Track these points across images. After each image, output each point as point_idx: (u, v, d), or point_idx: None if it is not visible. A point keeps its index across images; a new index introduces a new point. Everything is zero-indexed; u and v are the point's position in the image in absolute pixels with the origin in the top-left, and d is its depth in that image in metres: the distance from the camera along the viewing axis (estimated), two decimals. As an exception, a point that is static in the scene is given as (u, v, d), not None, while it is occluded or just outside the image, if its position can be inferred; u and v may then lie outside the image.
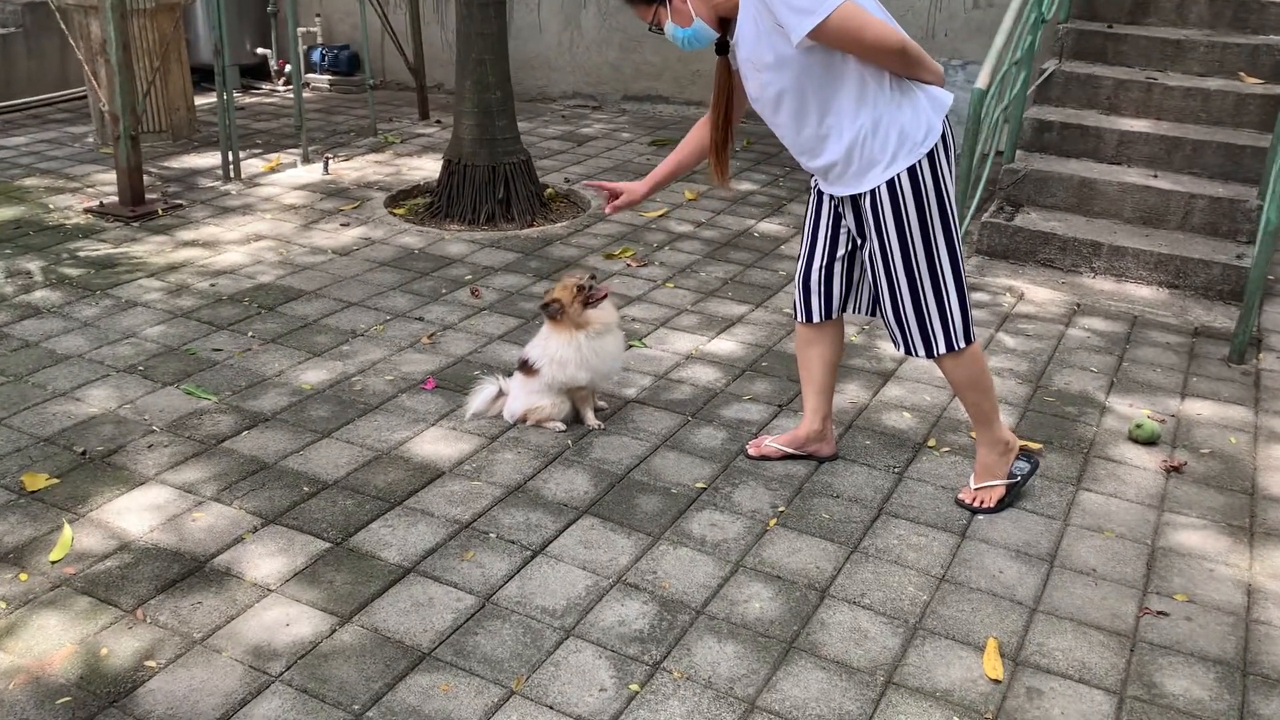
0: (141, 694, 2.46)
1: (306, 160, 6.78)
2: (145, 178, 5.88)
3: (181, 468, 3.37)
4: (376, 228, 5.66)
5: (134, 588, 2.80)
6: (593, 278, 3.57)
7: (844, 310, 3.31)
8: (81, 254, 5.16)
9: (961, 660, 2.64)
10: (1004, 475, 3.27)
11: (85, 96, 7.82)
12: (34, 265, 5.00)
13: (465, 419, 3.70)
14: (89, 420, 3.63)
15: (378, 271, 5.06)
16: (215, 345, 4.22)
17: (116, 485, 3.26)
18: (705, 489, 3.33)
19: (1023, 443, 3.43)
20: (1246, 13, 6.11)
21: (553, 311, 3.55)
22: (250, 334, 4.34)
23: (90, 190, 6.12)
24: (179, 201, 5.95)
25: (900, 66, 2.85)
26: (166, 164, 6.71)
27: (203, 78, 8.06)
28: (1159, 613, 2.83)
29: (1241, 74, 5.83)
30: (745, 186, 6.54)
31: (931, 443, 3.64)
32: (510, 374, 3.78)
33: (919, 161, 2.91)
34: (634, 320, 4.55)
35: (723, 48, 2.98)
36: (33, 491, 3.21)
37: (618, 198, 3.37)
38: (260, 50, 8.75)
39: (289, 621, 2.70)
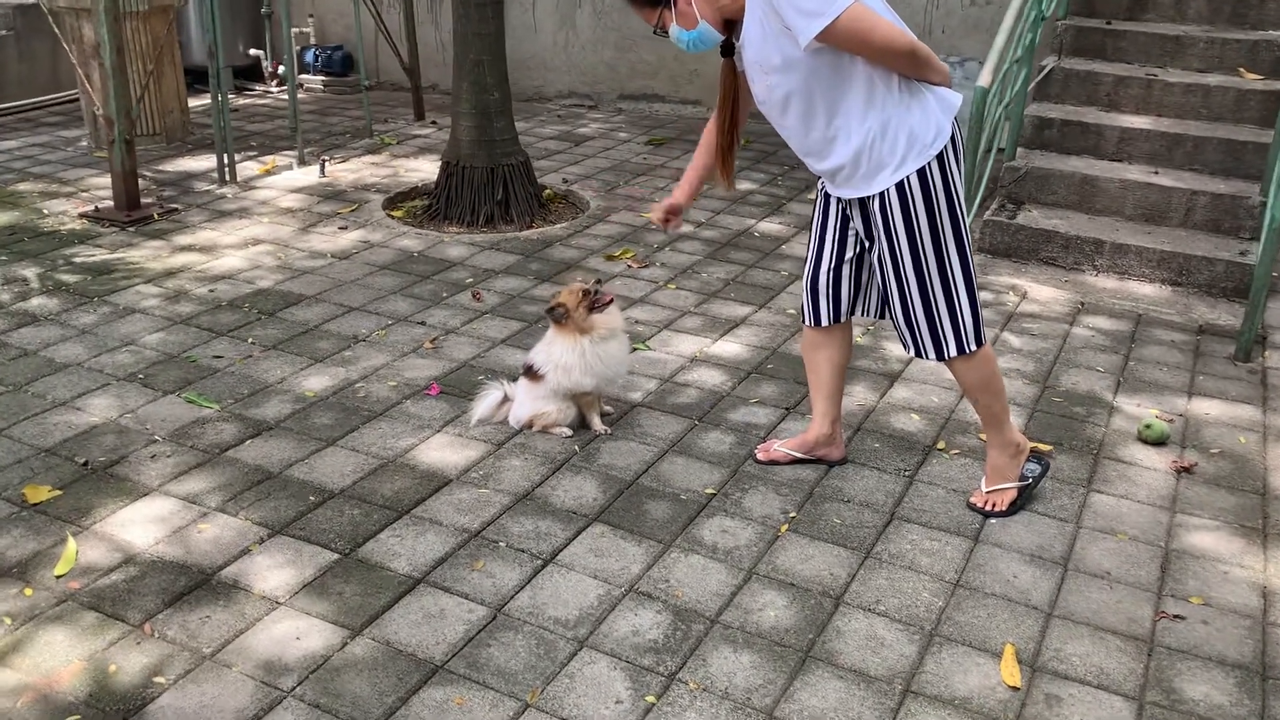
0: (151, 711, 2.42)
1: (302, 162, 6.73)
2: (140, 182, 5.83)
3: (185, 478, 3.33)
4: (375, 230, 5.63)
5: (141, 602, 2.77)
6: (598, 283, 3.54)
7: (852, 313, 3.28)
8: (78, 260, 5.11)
9: (979, 667, 2.62)
10: (1015, 478, 3.25)
11: (77, 99, 7.77)
12: (30, 272, 4.95)
13: (470, 425, 3.67)
14: (90, 430, 3.59)
15: (378, 275, 5.02)
16: (216, 352, 4.18)
17: (120, 496, 3.23)
18: (715, 495, 3.31)
19: (1032, 444, 3.40)
20: (1245, 8, 6.09)
21: (558, 316, 3.52)
22: (251, 340, 4.30)
23: (85, 195, 6.07)
24: (175, 206, 5.90)
25: (909, 68, 2.83)
26: (161, 167, 6.66)
27: (195, 79, 8.00)
28: (1175, 616, 2.82)
29: (1241, 70, 5.82)
30: (744, 185, 6.51)
31: (941, 445, 3.62)
32: (515, 379, 3.75)
33: (928, 163, 2.89)
34: (637, 322, 4.52)
35: (728, 50, 2.95)
36: (35, 504, 3.17)
37: (671, 219, 3.33)
38: (253, 51, 8.70)
39: (299, 635, 2.66)
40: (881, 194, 2.93)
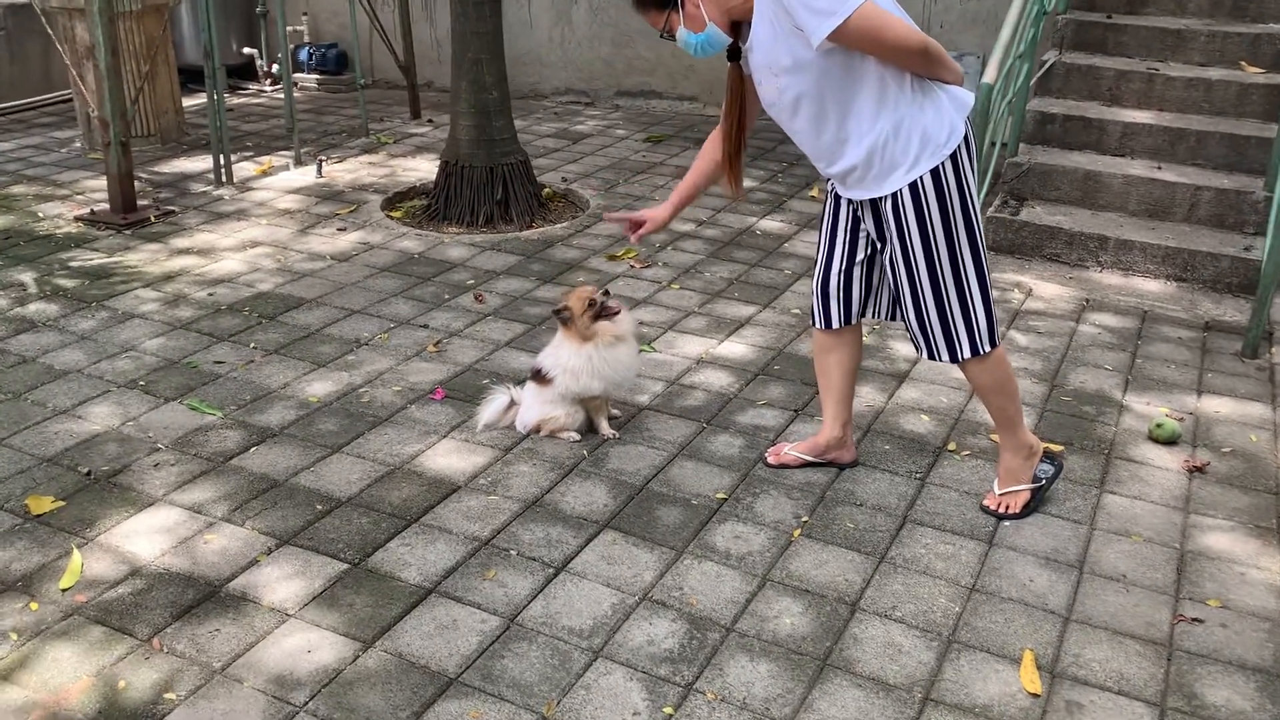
0: (163, 728, 2.39)
1: (299, 163, 6.68)
2: (135, 183, 5.78)
3: (190, 487, 3.29)
4: (374, 232, 5.58)
5: (149, 615, 2.73)
6: (606, 293, 3.50)
7: (863, 315, 3.25)
8: (75, 264, 5.06)
9: (998, 674, 2.59)
10: (1028, 480, 3.23)
11: (71, 100, 7.70)
12: (27, 276, 4.90)
13: (477, 430, 3.63)
14: (92, 439, 3.54)
15: (378, 277, 4.98)
16: (217, 357, 4.14)
17: (124, 507, 3.18)
18: (726, 499, 3.28)
19: (1045, 445, 3.38)
20: (1246, 1, 6.07)
21: (565, 318, 3.48)
22: (252, 345, 4.25)
23: (80, 197, 6.02)
24: (171, 208, 5.85)
25: (921, 67, 2.79)
26: (156, 169, 6.61)
27: (189, 79, 7.94)
28: (1194, 620, 2.80)
29: (1243, 63, 5.79)
30: (745, 183, 6.46)
31: (951, 446, 3.60)
32: (521, 383, 3.72)
33: (942, 163, 2.86)
34: (641, 324, 4.48)
35: (734, 54, 2.90)
36: (38, 515, 3.13)
37: (639, 227, 3.29)
38: (247, 50, 8.64)
39: (310, 648, 2.63)
40: (894, 195, 2.90)
